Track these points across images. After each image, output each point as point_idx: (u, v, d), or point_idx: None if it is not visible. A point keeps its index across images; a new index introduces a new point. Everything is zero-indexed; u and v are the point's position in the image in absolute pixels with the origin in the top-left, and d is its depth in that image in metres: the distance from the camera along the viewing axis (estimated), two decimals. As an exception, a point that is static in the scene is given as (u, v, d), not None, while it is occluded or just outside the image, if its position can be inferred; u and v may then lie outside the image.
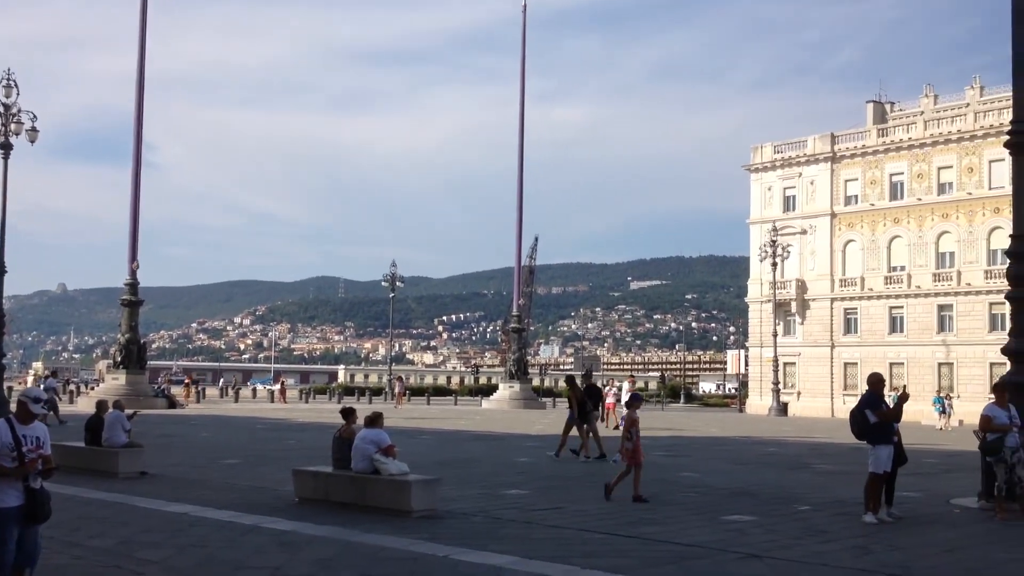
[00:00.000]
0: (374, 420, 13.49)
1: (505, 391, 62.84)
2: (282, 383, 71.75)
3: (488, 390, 77.20)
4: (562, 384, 77.68)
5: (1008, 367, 15.09)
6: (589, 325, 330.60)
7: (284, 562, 9.26)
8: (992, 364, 53.60)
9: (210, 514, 12.27)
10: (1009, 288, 15.33)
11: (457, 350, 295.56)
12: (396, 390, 62.39)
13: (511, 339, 68.23)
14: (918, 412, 45.94)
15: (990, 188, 58.65)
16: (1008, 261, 15.42)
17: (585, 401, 21.86)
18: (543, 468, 19.42)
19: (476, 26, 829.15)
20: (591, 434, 21.67)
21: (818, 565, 9.52)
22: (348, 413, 14.08)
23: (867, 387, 13.10)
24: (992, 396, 14.96)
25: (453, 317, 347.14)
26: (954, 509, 14.20)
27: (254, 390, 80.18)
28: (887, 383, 54.05)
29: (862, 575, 9.15)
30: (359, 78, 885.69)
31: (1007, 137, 15.25)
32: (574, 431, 21.94)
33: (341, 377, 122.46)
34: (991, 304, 58.10)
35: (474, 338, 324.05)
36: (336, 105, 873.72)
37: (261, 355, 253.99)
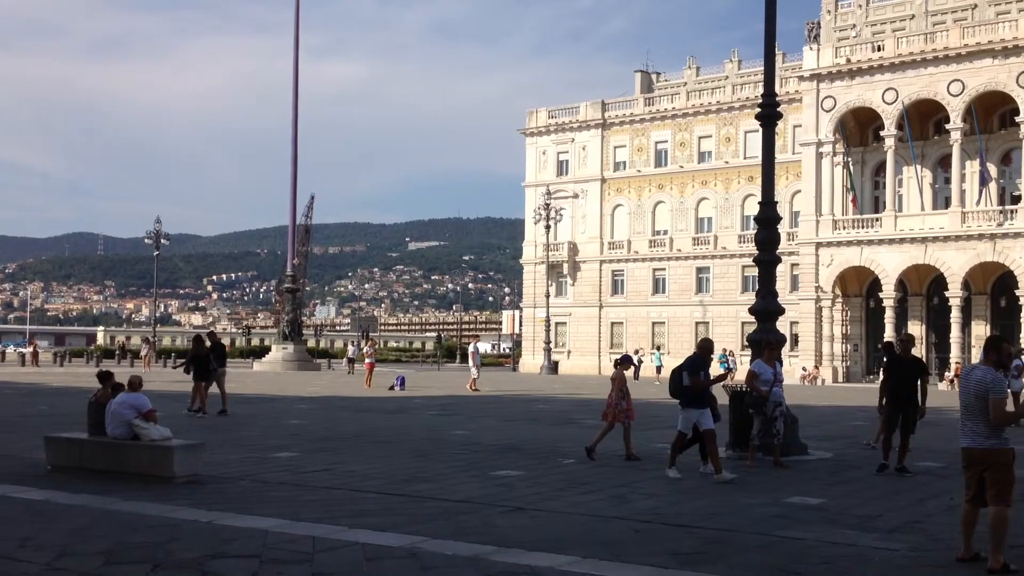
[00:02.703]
0: (134, 384, 12.88)
1: (278, 353, 61.61)
2: (34, 345, 67.25)
3: (261, 352, 75.43)
4: (338, 345, 77.02)
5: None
6: (366, 286, 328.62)
7: (36, 532, 8.71)
8: (744, 323, 57.40)
9: (-53, 487, 11.35)
10: (757, 252, 16.42)
11: (228, 311, 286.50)
12: (143, 353, 59.62)
13: (285, 300, 66.80)
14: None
15: (745, 157, 62.39)
16: (757, 227, 16.50)
17: (209, 358, 21.79)
18: (315, 430, 19.19)
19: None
20: (220, 390, 22.26)
21: (578, 515, 9.92)
22: (105, 377, 13.36)
23: (695, 350, 13.51)
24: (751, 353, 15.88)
25: (224, 277, 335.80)
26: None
27: (3, 353, 74.68)
28: (650, 341, 56.50)
29: (615, 522, 9.59)
30: (119, 23, 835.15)
31: (759, 109, 16.25)
32: (221, 387, 22.47)
33: (100, 339, 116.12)
34: (743, 267, 62.12)
35: (246, 299, 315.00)
36: (95, 50, 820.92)
37: (12, 316, 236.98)
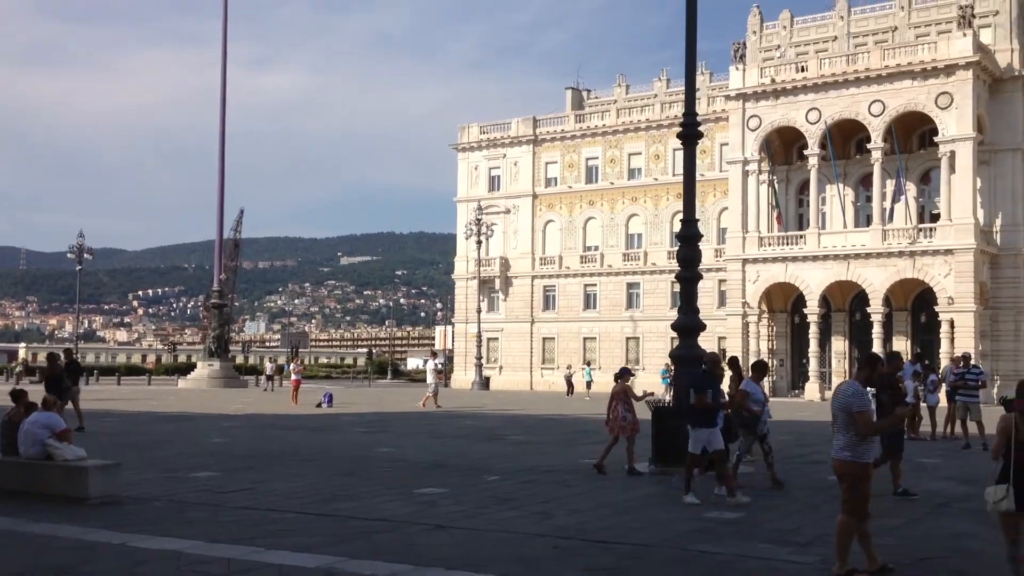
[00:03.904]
0: (47, 403, 12.59)
1: (204, 370, 60.63)
2: (-49, 363, 65.19)
3: (187, 369, 74.12)
4: (266, 362, 76.02)
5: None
6: (297, 301, 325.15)
7: (-66, 560, 8.46)
8: (673, 339, 57.99)
9: None
10: (679, 269, 16.65)
11: (154, 327, 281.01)
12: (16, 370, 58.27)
13: (212, 315, 65.71)
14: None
15: (674, 175, 63.12)
16: (680, 244, 16.73)
17: (63, 377, 21.55)
18: (236, 449, 18.91)
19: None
20: (75, 408, 22.05)
21: (500, 532, 9.93)
22: (18, 395, 13.03)
23: (705, 365, 12.91)
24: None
25: (150, 292, 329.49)
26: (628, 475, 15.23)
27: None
28: (581, 356, 56.68)
29: (536, 538, 9.62)
30: (48, 32, 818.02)
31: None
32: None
33: (22, 355, 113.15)
34: (672, 283, 62.82)
35: (173, 314, 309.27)
36: (21, 60, 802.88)
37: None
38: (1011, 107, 53.14)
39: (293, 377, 38.69)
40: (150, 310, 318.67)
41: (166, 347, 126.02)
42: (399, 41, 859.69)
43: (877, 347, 52.62)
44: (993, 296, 52.57)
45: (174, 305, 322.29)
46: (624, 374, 15.52)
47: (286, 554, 8.67)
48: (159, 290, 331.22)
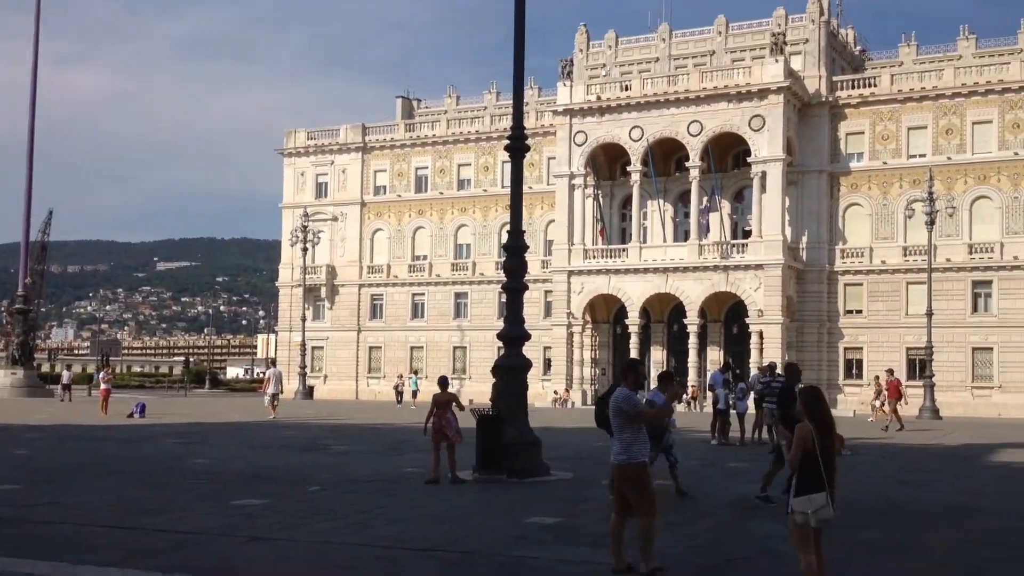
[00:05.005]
0: None
1: (6, 378, 57.16)
2: None
3: (-13, 377, 69.58)
4: (76, 369, 72.35)
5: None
6: (109, 307, 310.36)
7: None
8: (499, 348, 58.61)
9: None
10: (506, 280, 16.85)
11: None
12: None
13: (16, 321, 61.99)
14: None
15: (503, 186, 63.81)
16: (506, 255, 16.94)
17: None
18: (41, 461, 17.88)
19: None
20: None
21: (319, 543, 9.75)
22: None
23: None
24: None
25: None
26: (452, 484, 15.27)
27: None
28: (408, 365, 56.25)
29: (356, 549, 9.52)
30: None
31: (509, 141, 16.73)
32: None
33: None
34: (500, 293, 63.52)
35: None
36: None
37: None
38: (818, 131, 56.48)
39: (103, 386, 36.87)
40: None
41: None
42: (220, 44, 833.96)
43: (692, 357, 54.78)
44: (799, 309, 55.63)
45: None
46: (442, 383, 15.61)
47: (94, 570, 8.25)
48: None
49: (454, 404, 15.12)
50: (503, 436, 15.17)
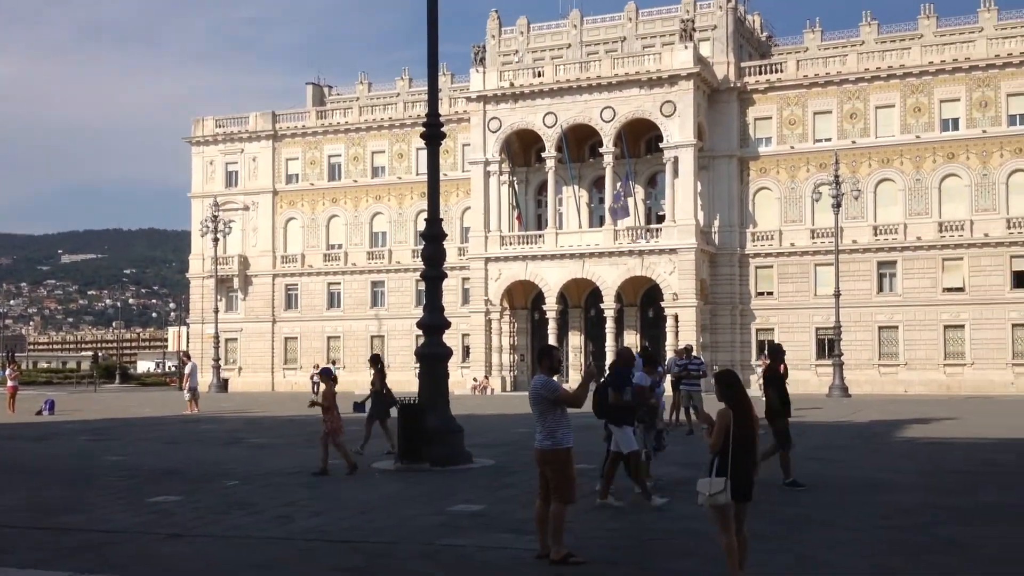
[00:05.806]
0: None
1: (-96, 377, 54.87)
2: None
3: None
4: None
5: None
6: (12, 302, 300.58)
7: None
8: (418, 336, 58.36)
9: None
10: (425, 268, 16.82)
11: None
12: None
13: (-87, 318, 59.74)
14: (352, 383, 48.71)
15: (418, 174, 63.31)
16: (424, 243, 16.90)
17: None
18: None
19: None
20: None
21: (240, 538, 9.66)
22: None
23: (616, 361, 12.46)
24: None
25: None
26: (376, 472, 15.25)
27: None
28: (325, 355, 55.60)
29: (278, 542, 9.45)
30: None
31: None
32: None
33: None
34: (417, 281, 63.25)
35: None
36: None
37: None
38: (727, 116, 57.40)
39: (9, 384, 35.81)
40: None
41: None
42: (122, 31, 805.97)
43: (609, 341, 55.36)
44: (712, 292, 56.62)
45: None
46: (324, 374, 15.73)
47: (15, 571, 8.05)
48: None
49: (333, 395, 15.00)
50: (425, 425, 15.18)
